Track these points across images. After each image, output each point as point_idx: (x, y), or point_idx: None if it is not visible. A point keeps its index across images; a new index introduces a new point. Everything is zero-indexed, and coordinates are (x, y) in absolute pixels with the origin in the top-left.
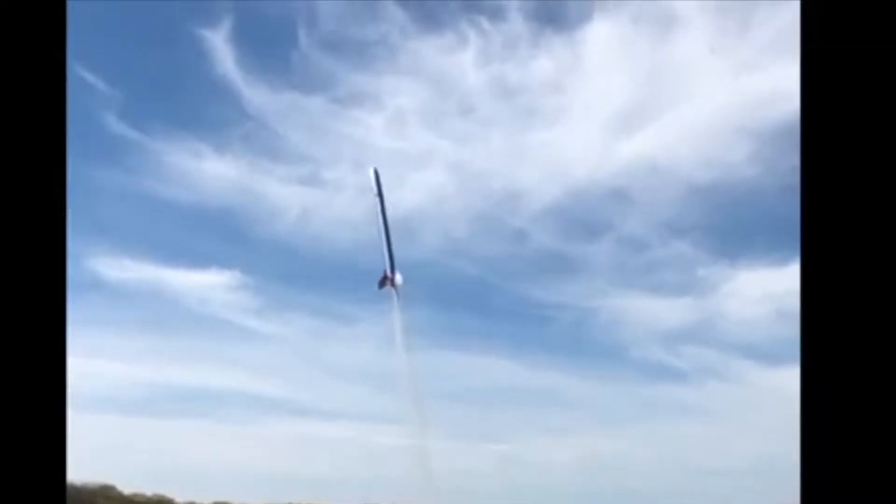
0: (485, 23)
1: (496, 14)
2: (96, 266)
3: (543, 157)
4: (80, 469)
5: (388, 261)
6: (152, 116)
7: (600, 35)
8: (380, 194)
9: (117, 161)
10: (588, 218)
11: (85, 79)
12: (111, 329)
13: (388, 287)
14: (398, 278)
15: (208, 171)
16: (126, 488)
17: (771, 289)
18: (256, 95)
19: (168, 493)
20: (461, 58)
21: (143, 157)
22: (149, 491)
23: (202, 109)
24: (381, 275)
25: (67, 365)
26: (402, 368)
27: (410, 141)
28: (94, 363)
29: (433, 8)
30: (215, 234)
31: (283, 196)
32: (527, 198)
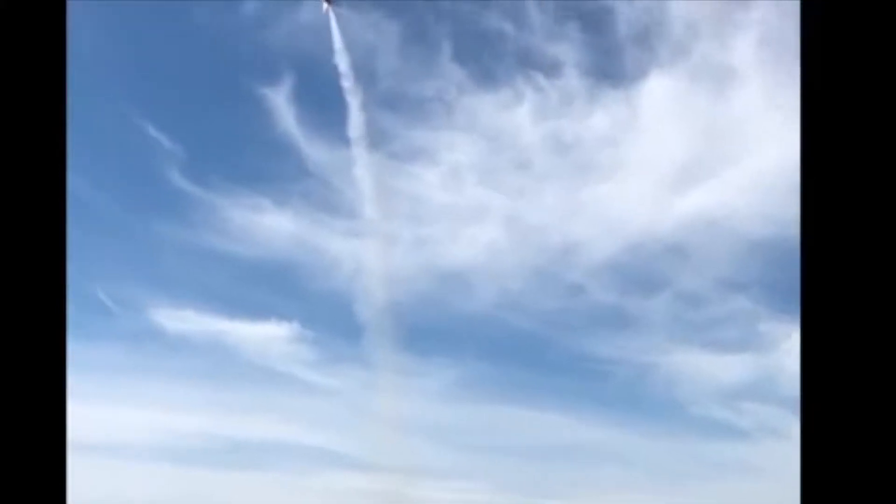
0: (541, 79)
1: (552, 70)
2: (158, 317)
3: (599, 211)
4: None
5: None
6: (214, 172)
7: (657, 90)
8: None
9: (180, 215)
10: (645, 273)
11: (149, 134)
12: (171, 380)
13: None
14: None
15: (268, 225)
16: None
17: None
18: (315, 151)
19: None
20: (517, 113)
21: (204, 211)
22: None
23: (263, 165)
24: None
25: (67, 375)
26: None
27: (466, 196)
28: (152, 414)
29: (489, 64)
30: (274, 287)
31: (339, 249)
32: (583, 252)
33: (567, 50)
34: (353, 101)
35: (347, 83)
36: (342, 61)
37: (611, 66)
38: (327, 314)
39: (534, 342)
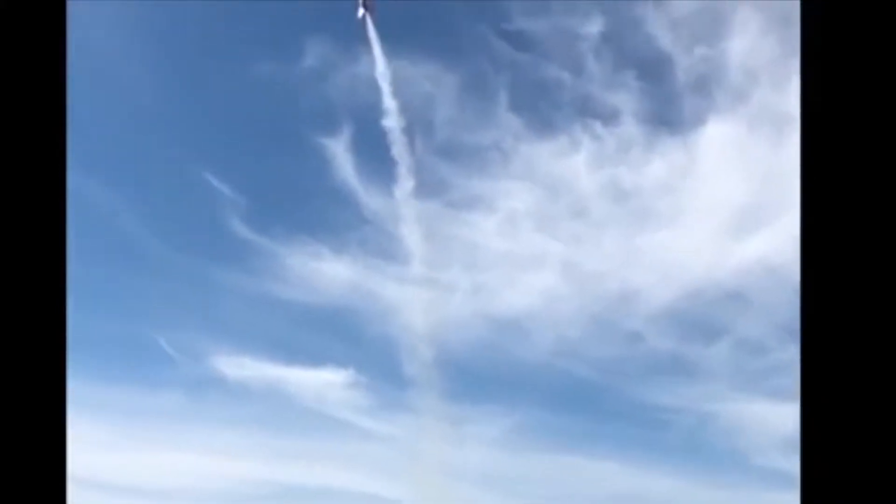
0: (598, 127)
1: (610, 118)
2: (218, 364)
3: (658, 258)
4: None
5: None
6: (274, 220)
7: (715, 137)
8: None
9: (241, 263)
10: (704, 320)
11: (211, 184)
12: (230, 426)
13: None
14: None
15: (326, 272)
16: None
17: None
18: (372, 199)
19: None
20: (574, 161)
21: (265, 259)
22: None
23: (322, 214)
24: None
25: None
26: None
27: (523, 243)
28: (211, 459)
29: (546, 113)
30: (331, 333)
31: (395, 296)
32: (641, 299)
33: (625, 98)
34: (399, 141)
35: (391, 121)
36: (383, 77)
37: (669, 114)
38: (383, 360)
39: (592, 390)
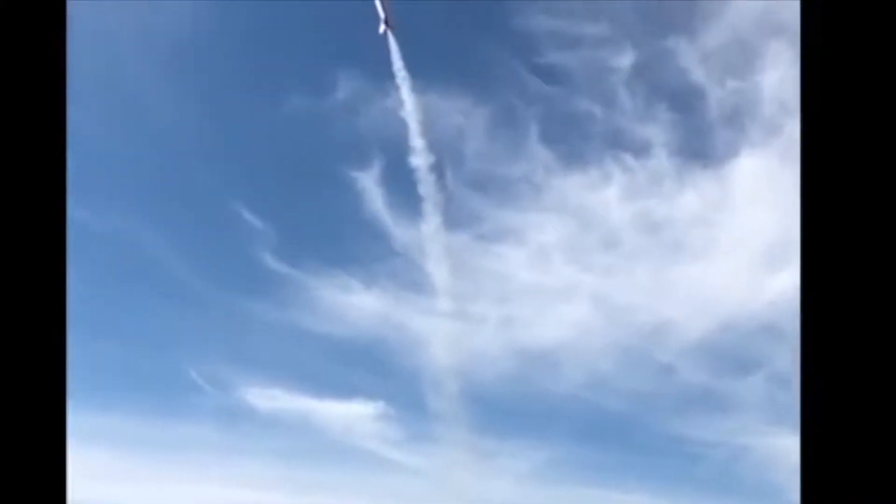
0: (630, 159)
1: (642, 150)
2: (248, 396)
3: (690, 291)
4: None
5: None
6: (305, 253)
7: (747, 169)
8: None
9: (271, 295)
10: (738, 353)
11: (242, 216)
12: (260, 458)
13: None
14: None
15: (356, 304)
16: None
17: None
18: (402, 232)
19: None
20: (605, 193)
21: (295, 291)
22: None
23: (352, 246)
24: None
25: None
26: None
27: (554, 275)
28: (242, 492)
29: (577, 145)
30: (361, 365)
31: (425, 328)
32: (673, 332)
33: (656, 131)
34: (426, 179)
35: (419, 159)
36: (410, 115)
37: (701, 146)
38: (412, 393)
39: (623, 423)
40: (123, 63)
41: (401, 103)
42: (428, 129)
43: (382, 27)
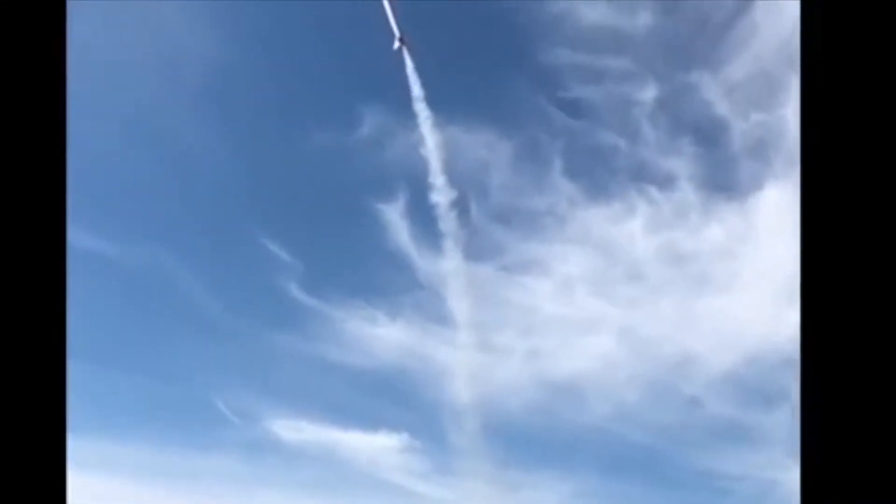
0: (654, 192)
1: (666, 183)
2: (274, 427)
3: (716, 323)
4: None
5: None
6: (330, 285)
7: (772, 202)
8: None
9: (297, 327)
10: (764, 386)
11: (269, 248)
12: (286, 489)
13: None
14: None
15: (381, 336)
16: None
17: None
18: (427, 264)
19: None
20: (630, 226)
21: (321, 323)
22: None
23: (377, 278)
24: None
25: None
26: None
27: (578, 307)
28: None
29: (601, 178)
30: (386, 397)
31: (450, 360)
32: (699, 365)
33: (680, 163)
34: (447, 215)
35: (439, 196)
36: (431, 152)
37: (725, 179)
38: (437, 425)
39: (650, 456)
40: (152, 95)
41: (422, 140)
42: (450, 164)
43: (397, 44)
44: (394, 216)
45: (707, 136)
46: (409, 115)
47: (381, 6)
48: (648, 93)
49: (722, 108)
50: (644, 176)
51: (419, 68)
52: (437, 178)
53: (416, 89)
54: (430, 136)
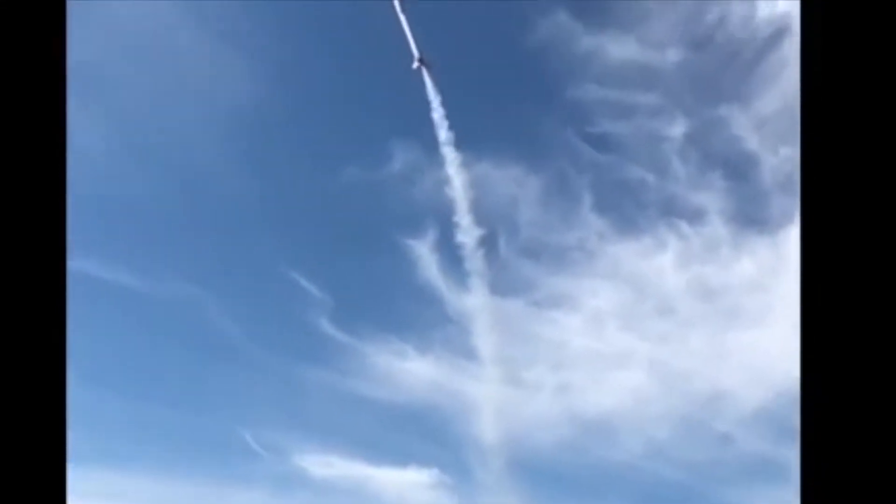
0: (684, 226)
1: (696, 217)
2: (304, 463)
3: (747, 358)
4: None
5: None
6: (360, 319)
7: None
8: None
9: (327, 361)
10: (796, 422)
11: (299, 283)
12: None
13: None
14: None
15: (411, 371)
16: None
17: None
18: (457, 299)
19: None
20: (660, 260)
21: (351, 358)
22: None
23: (406, 313)
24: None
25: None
26: None
27: (608, 342)
28: None
29: (631, 213)
30: (416, 433)
31: (481, 396)
32: (731, 400)
33: (710, 198)
34: (473, 255)
35: (465, 236)
36: (458, 192)
37: (756, 213)
38: (467, 460)
39: (682, 493)
40: (182, 131)
41: (448, 180)
42: (478, 200)
43: (416, 63)
44: (423, 251)
45: (737, 170)
46: (438, 150)
47: (400, 27)
48: (678, 128)
49: (752, 142)
50: (674, 210)
51: (443, 94)
52: (464, 218)
53: (443, 134)
54: (456, 177)
